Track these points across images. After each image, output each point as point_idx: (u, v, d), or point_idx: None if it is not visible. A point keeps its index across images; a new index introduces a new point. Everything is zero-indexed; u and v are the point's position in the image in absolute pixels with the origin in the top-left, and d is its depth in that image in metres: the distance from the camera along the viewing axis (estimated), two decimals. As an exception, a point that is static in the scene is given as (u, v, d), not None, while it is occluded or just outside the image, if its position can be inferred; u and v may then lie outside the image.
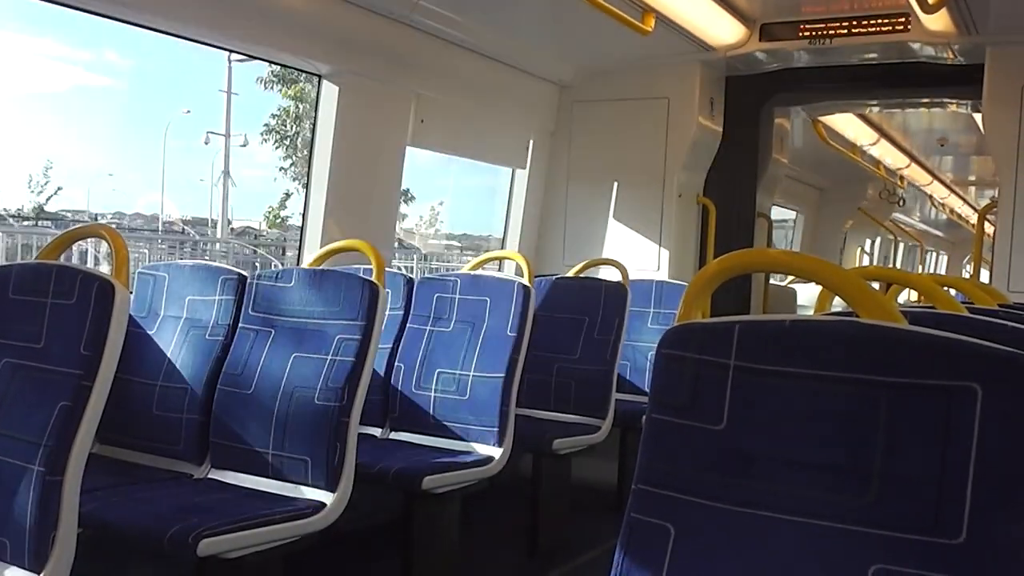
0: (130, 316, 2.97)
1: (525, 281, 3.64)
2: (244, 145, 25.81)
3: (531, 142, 5.48)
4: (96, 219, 21.15)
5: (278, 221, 26.20)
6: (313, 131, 4.17)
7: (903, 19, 4.62)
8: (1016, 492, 0.99)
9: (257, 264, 15.68)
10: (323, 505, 2.57)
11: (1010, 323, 1.44)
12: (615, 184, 5.46)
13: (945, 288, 1.99)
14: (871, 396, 1.07)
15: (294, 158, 24.03)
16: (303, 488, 2.64)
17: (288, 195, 26.06)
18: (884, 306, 1.17)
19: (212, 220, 24.80)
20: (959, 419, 1.02)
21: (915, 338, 1.07)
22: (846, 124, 7.59)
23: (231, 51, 3.84)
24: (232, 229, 23.98)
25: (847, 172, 9.19)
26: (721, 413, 1.16)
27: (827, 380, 1.10)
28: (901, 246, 13.95)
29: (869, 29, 4.73)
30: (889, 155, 8.80)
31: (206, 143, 25.68)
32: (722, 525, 1.14)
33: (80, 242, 7.02)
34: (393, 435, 3.58)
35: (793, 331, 1.14)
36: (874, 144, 8.22)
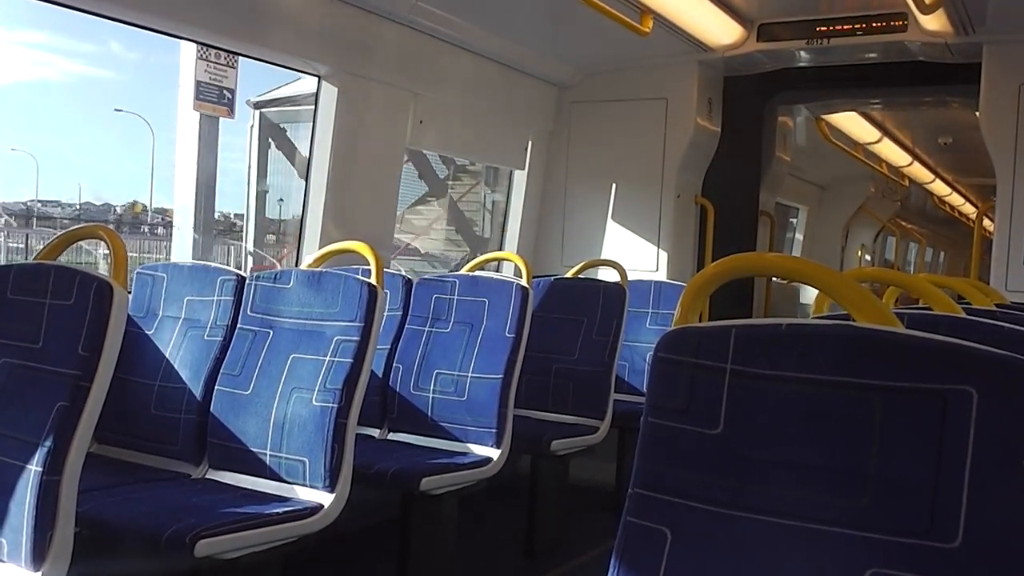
0: (128, 316, 2.99)
1: (523, 282, 3.64)
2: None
3: (530, 143, 5.48)
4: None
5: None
6: (312, 132, 4.17)
7: (900, 19, 4.63)
8: (1012, 496, 1.00)
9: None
10: (321, 506, 2.57)
11: (1006, 324, 1.44)
12: (613, 185, 5.46)
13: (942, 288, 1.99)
14: (867, 400, 1.07)
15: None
16: (301, 489, 2.64)
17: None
18: (879, 309, 1.17)
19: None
20: (954, 423, 1.02)
21: (910, 342, 1.07)
22: (849, 122, 7.58)
23: (229, 51, 3.83)
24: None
25: (849, 169, 9.17)
26: (718, 417, 1.16)
27: (823, 384, 1.10)
28: (903, 244, 13.93)
29: (866, 29, 4.74)
30: (892, 153, 8.78)
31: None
32: (718, 529, 1.14)
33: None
34: (391, 436, 3.58)
35: (789, 335, 1.14)
36: (877, 142, 8.21)
